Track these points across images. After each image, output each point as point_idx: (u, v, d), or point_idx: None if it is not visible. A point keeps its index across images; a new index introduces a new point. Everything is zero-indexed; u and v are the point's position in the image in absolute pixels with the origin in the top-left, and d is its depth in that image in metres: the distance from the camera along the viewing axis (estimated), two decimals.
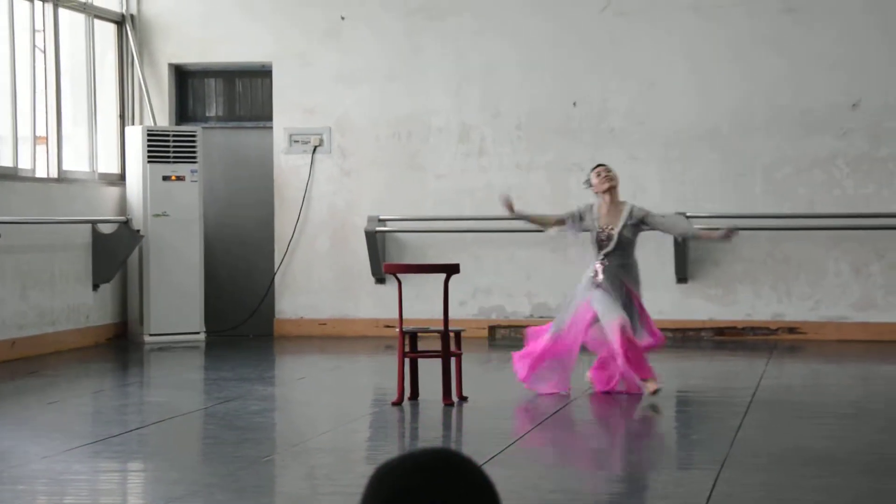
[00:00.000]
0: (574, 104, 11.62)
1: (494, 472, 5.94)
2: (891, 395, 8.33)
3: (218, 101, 12.45)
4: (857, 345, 10.85)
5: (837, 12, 11.11)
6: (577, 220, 8.11)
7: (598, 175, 8.14)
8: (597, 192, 8.12)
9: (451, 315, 8.46)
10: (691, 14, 11.37)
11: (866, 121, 11.08)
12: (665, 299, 11.48)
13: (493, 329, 11.83)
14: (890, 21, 11.03)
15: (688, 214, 11.35)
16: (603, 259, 8.02)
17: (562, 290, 11.72)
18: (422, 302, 11.40)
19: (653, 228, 8.27)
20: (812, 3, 11.16)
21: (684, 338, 11.43)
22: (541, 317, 11.81)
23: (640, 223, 8.11)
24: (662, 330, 11.52)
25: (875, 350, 10.54)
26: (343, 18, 11.96)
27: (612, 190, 8.10)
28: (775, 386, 8.52)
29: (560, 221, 8.21)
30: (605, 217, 8.05)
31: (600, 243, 8.04)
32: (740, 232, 8.46)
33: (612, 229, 8.02)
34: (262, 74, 12.22)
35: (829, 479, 5.54)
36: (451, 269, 7.92)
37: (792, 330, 11.27)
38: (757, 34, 11.25)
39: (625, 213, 8.04)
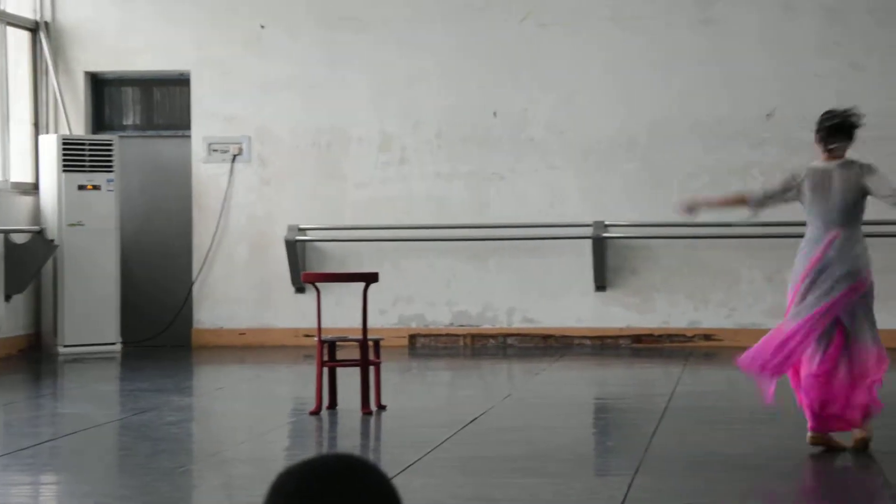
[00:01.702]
0: (494, 114, 11.69)
1: (412, 481, 5.96)
2: None
3: (135, 109, 12.33)
4: None
5: (753, 24, 11.30)
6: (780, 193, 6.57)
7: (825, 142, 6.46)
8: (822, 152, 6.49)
9: (371, 324, 8.46)
10: (610, 25, 11.49)
11: (780, 131, 11.28)
12: (584, 307, 11.58)
13: (413, 338, 11.84)
14: (803, 33, 11.24)
15: (606, 223, 11.48)
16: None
17: (482, 299, 11.80)
18: (342, 311, 11.37)
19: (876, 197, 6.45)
20: (728, 15, 11.34)
21: (602, 345, 11.53)
22: (461, 325, 11.85)
23: (863, 183, 6.39)
24: (580, 338, 11.72)
25: None
26: (263, 27, 11.91)
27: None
28: (691, 392, 8.63)
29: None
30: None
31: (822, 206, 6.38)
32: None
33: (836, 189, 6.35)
34: (180, 83, 12.12)
35: (742, 483, 5.63)
36: (370, 278, 7.92)
37: (707, 337, 11.42)
38: (675, 45, 11.40)
39: (854, 172, 6.39)
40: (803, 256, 6.56)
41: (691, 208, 7.09)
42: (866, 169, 6.45)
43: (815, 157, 6.64)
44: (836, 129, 6.51)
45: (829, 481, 5.68)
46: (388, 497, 1.79)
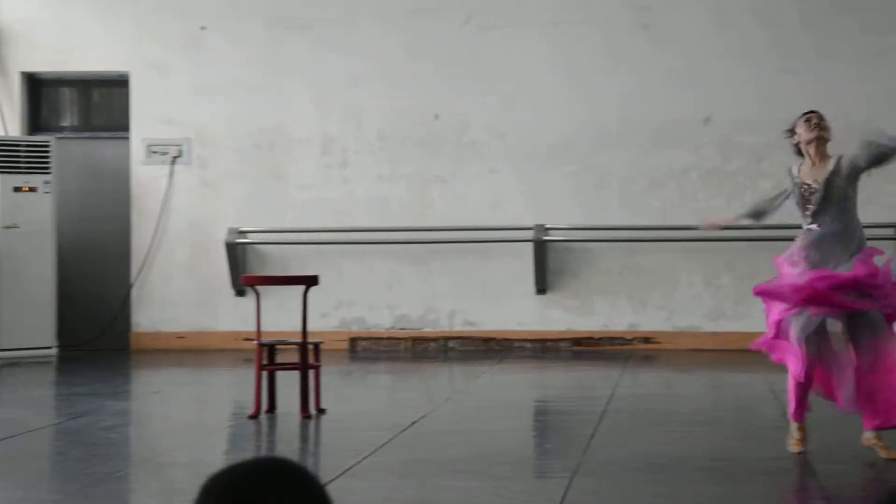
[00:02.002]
0: (436, 117, 11.70)
1: (351, 484, 5.92)
2: (740, 403, 8.56)
3: (73, 110, 12.19)
4: (709, 354, 11.13)
5: (689, 29, 11.41)
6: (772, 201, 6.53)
7: (809, 121, 6.41)
8: (802, 143, 6.37)
9: (312, 327, 8.43)
10: (550, 29, 11.55)
11: (717, 135, 11.40)
12: (525, 310, 11.62)
13: (354, 341, 11.82)
14: (739, 38, 11.36)
15: (546, 226, 11.52)
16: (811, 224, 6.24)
17: (423, 302, 11.80)
18: (283, 314, 11.32)
19: (874, 165, 6.23)
20: (665, 20, 11.44)
21: (543, 348, 11.58)
22: (402, 328, 11.84)
23: (855, 171, 6.24)
24: (521, 341, 11.76)
25: (726, 359, 10.83)
26: (203, 28, 11.83)
27: (820, 142, 6.33)
28: (630, 395, 8.68)
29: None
30: (808, 173, 6.31)
31: (804, 204, 6.26)
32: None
33: (816, 183, 6.25)
34: (119, 84, 12.01)
35: (678, 485, 5.67)
36: (310, 281, 7.89)
37: (647, 340, 11.51)
38: (614, 50, 11.48)
39: (831, 164, 6.26)
40: (801, 248, 6.33)
41: (713, 227, 7.17)
42: (845, 158, 6.30)
43: (790, 160, 6.61)
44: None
45: (765, 483, 5.73)
46: (317, 499, 1.79)
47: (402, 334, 11.81)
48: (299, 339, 7.78)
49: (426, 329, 11.79)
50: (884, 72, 11.13)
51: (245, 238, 11.82)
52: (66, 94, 12.20)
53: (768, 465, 6.07)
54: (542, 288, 11.57)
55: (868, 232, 11.07)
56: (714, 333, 11.37)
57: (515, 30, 11.58)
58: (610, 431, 7.06)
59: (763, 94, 11.30)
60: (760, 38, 11.31)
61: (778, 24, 11.31)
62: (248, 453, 6.91)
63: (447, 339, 11.75)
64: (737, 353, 11.07)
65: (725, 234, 11.38)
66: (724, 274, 11.45)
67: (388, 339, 11.81)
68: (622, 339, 11.53)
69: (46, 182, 11.27)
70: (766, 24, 11.31)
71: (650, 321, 11.49)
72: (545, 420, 8.33)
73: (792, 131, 6.48)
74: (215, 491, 1.77)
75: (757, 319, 11.34)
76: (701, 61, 11.37)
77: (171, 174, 11.88)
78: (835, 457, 6.19)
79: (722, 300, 11.45)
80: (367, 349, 11.77)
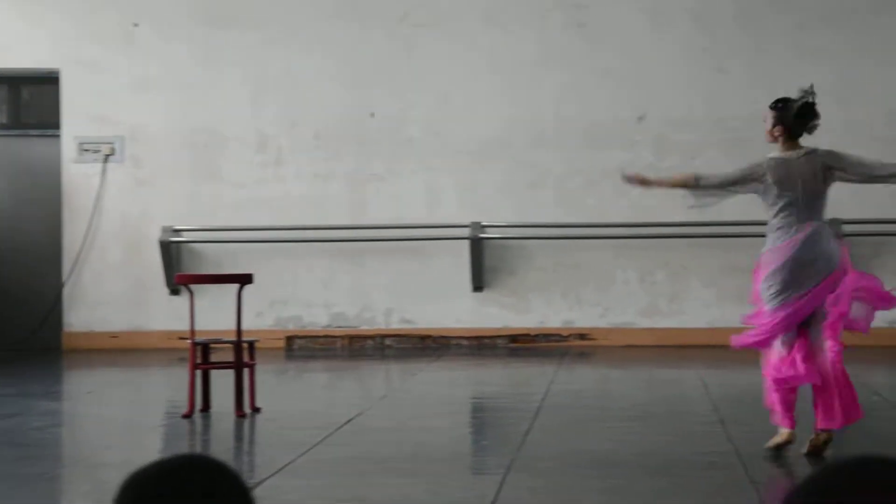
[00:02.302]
0: (372, 115, 11.68)
1: (285, 483, 5.88)
2: (673, 398, 8.64)
3: (2, 108, 12.02)
4: (644, 350, 11.23)
5: (624, 28, 11.49)
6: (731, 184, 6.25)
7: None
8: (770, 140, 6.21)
9: (247, 326, 8.37)
10: (486, 27, 11.57)
11: (652, 133, 11.49)
12: (461, 308, 11.64)
13: (290, 339, 11.77)
14: (674, 37, 11.46)
15: (483, 224, 11.55)
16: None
17: (360, 300, 11.78)
18: (218, 313, 11.24)
19: (848, 177, 6.13)
20: (599, 19, 11.51)
21: (480, 345, 11.61)
22: (338, 326, 11.81)
23: (829, 170, 6.09)
24: (457, 338, 11.77)
25: (660, 355, 10.93)
26: (136, 25, 11.71)
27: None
28: (565, 391, 8.73)
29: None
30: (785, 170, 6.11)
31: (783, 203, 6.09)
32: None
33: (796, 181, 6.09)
34: (49, 81, 11.85)
35: (611, 480, 5.71)
36: (244, 280, 7.84)
37: (582, 336, 11.57)
38: (549, 48, 11.53)
39: (814, 161, 6.11)
40: (777, 249, 6.10)
41: (637, 181, 6.73)
42: (832, 156, 6.13)
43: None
44: (806, 111, 6.06)
45: (698, 478, 5.79)
46: (238, 497, 1.77)
47: (339, 332, 11.78)
48: (234, 338, 7.73)
49: (363, 327, 11.77)
50: (817, 70, 11.27)
51: (179, 237, 11.72)
52: None
53: (701, 459, 6.13)
54: (478, 285, 11.60)
55: (669, 231, 11.28)
56: (649, 329, 11.47)
57: (451, 28, 11.60)
58: (545, 428, 7.09)
59: (697, 93, 11.41)
60: (695, 37, 11.42)
61: (712, 23, 11.42)
62: (181, 453, 6.85)
63: (384, 337, 11.74)
64: (671, 349, 11.17)
65: (660, 232, 11.49)
66: (659, 271, 11.55)
67: (325, 337, 11.78)
68: (558, 335, 11.59)
69: None
70: (701, 23, 11.42)
71: (586, 318, 11.56)
72: (481, 417, 8.35)
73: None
74: (134, 488, 1.75)
75: (690, 315, 11.48)
76: (635, 60, 11.45)
77: (104, 172, 11.75)
78: (764, 451, 6.26)
79: (656, 296, 11.54)
80: (303, 348, 11.72)
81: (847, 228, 11.08)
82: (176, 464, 1.75)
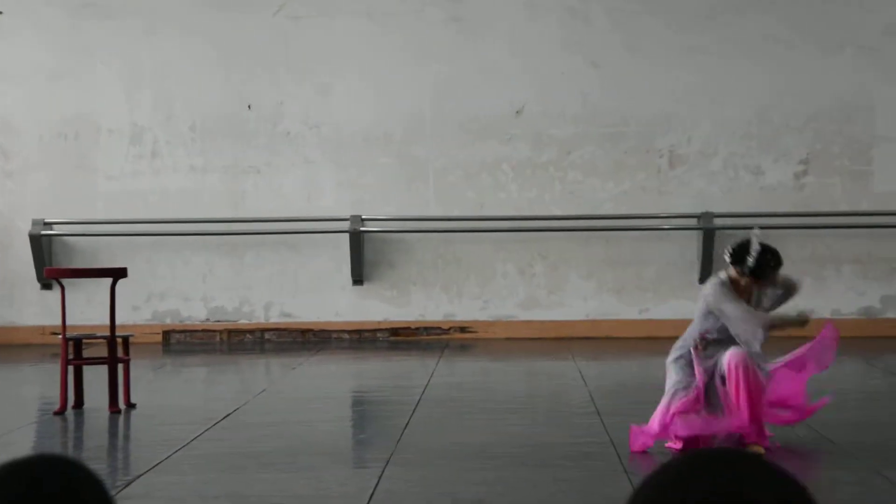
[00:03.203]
0: (249, 107, 11.55)
1: (159, 479, 5.77)
2: (552, 390, 8.73)
3: None
4: (524, 342, 11.32)
5: (501, 23, 11.55)
6: None
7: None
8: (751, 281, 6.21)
9: (123, 320, 8.22)
10: (364, 20, 11.53)
11: (529, 127, 11.58)
12: (341, 301, 11.60)
13: (167, 334, 11.59)
14: (549, 32, 11.56)
15: (363, 217, 11.52)
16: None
17: (239, 294, 11.65)
18: (93, 308, 11.04)
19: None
20: (477, 13, 11.56)
21: (360, 339, 11.58)
22: (217, 320, 11.67)
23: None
24: (338, 332, 11.72)
25: (539, 346, 11.03)
26: (1, 13, 11.40)
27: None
28: (445, 384, 8.75)
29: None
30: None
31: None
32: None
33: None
34: None
35: (487, 472, 5.74)
36: (118, 274, 7.69)
37: (463, 329, 11.62)
38: (427, 41, 11.54)
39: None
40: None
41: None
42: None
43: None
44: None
45: (573, 468, 5.85)
46: (96, 498, 1.72)
47: (218, 326, 11.64)
48: (108, 333, 7.58)
49: (242, 321, 11.65)
50: (689, 69, 11.49)
51: (51, 230, 11.45)
52: None
53: (577, 450, 6.20)
54: (358, 279, 11.57)
55: (672, 222, 11.51)
56: (528, 322, 11.57)
57: (328, 19, 11.53)
58: (424, 420, 7.10)
59: (570, 87, 11.52)
60: (570, 33, 11.54)
61: (587, 19, 11.55)
62: (53, 451, 6.69)
63: (263, 330, 11.64)
64: (550, 341, 11.29)
65: (539, 225, 11.59)
66: (537, 263, 11.66)
67: (203, 331, 11.63)
68: (439, 328, 11.62)
69: None
70: (576, 19, 11.54)
71: (466, 311, 11.61)
72: (361, 410, 8.33)
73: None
74: None
75: (569, 308, 11.62)
76: (511, 53, 11.53)
77: None
78: None
79: (535, 289, 11.65)
80: (181, 342, 11.56)
81: (718, 222, 11.33)
82: (28, 464, 1.69)
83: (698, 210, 11.37)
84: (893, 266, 11.49)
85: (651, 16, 11.48)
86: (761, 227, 6.56)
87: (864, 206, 11.44)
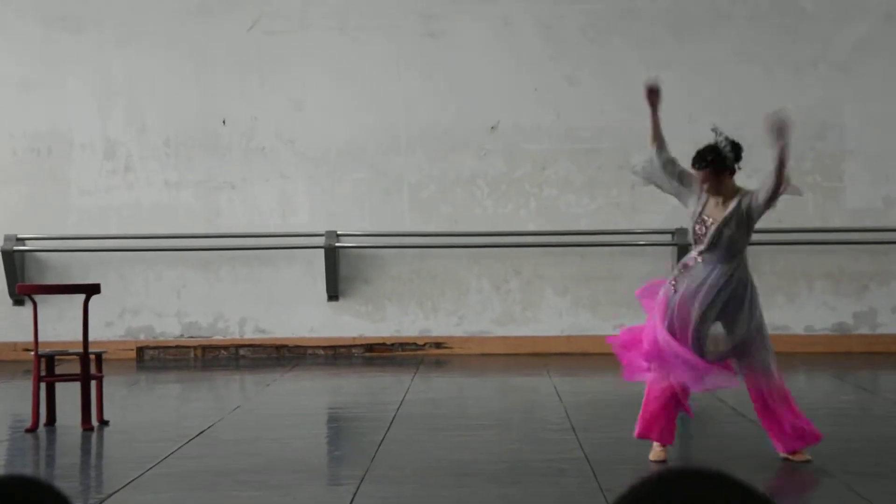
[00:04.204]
0: (223, 122, 11.53)
1: (132, 497, 5.73)
2: (526, 406, 8.73)
3: None
4: (499, 358, 11.32)
5: (476, 38, 11.58)
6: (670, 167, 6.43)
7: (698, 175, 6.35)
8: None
9: (96, 337, 8.18)
10: (337, 35, 11.54)
11: (503, 142, 11.60)
12: (316, 317, 11.57)
13: (141, 350, 11.53)
14: (524, 47, 11.59)
15: (338, 233, 11.50)
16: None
17: (213, 310, 11.60)
18: (65, 324, 10.97)
19: (771, 201, 6.27)
20: (452, 28, 11.58)
21: (335, 354, 11.55)
22: (191, 336, 11.62)
23: (752, 212, 6.28)
24: (313, 348, 11.69)
25: (514, 362, 11.03)
26: None
27: (711, 189, 6.38)
28: (420, 400, 8.74)
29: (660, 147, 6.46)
30: (712, 204, 6.36)
31: (696, 235, 6.35)
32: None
33: (712, 221, 6.29)
34: None
35: (462, 488, 5.73)
36: (90, 290, 7.65)
37: (438, 345, 11.61)
38: (401, 56, 11.55)
39: (732, 205, 6.29)
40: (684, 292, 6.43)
41: (652, 96, 6.69)
42: (745, 200, 6.39)
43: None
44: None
45: (548, 484, 5.85)
46: None
47: (192, 342, 11.59)
48: (80, 350, 7.53)
49: (216, 337, 11.61)
50: (662, 86, 11.52)
51: (24, 245, 11.39)
52: None
53: (552, 466, 6.20)
54: (333, 294, 11.54)
55: (647, 238, 11.55)
56: (503, 338, 11.57)
57: (303, 34, 11.53)
58: (400, 437, 7.09)
59: (547, 103, 11.56)
60: (544, 48, 11.57)
61: (561, 35, 11.59)
62: (25, 469, 6.64)
63: (238, 346, 11.59)
64: (525, 357, 11.29)
65: (514, 241, 11.60)
66: (512, 279, 11.67)
67: (177, 347, 11.57)
68: (414, 344, 11.61)
69: None
70: (550, 34, 11.58)
71: (441, 326, 11.60)
72: (336, 427, 8.31)
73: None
74: None
75: (544, 324, 11.62)
76: (486, 69, 11.55)
77: None
78: (614, 457, 6.36)
79: (510, 305, 11.65)
80: (154, 358, 11.50)
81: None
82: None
83: (672, 226, 11.41)
84: (865, 282, 11.55)
85: (624, 33, 11.53)
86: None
87: (837, 223, 11.50)
